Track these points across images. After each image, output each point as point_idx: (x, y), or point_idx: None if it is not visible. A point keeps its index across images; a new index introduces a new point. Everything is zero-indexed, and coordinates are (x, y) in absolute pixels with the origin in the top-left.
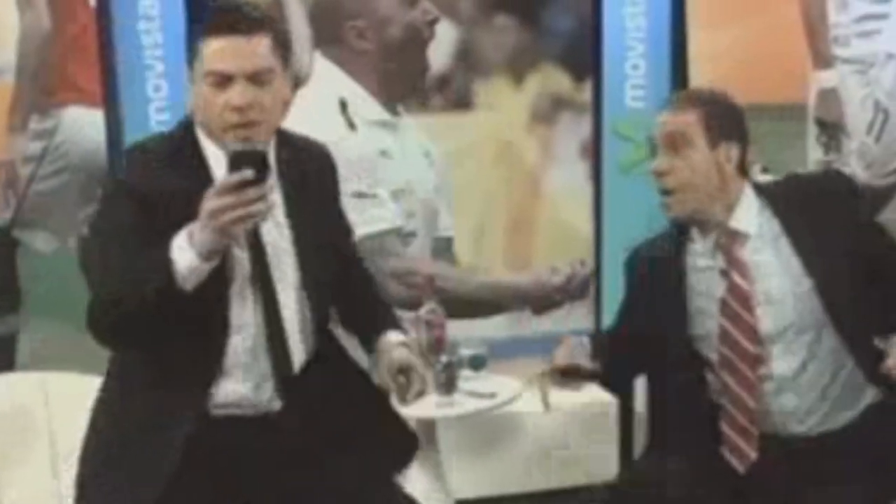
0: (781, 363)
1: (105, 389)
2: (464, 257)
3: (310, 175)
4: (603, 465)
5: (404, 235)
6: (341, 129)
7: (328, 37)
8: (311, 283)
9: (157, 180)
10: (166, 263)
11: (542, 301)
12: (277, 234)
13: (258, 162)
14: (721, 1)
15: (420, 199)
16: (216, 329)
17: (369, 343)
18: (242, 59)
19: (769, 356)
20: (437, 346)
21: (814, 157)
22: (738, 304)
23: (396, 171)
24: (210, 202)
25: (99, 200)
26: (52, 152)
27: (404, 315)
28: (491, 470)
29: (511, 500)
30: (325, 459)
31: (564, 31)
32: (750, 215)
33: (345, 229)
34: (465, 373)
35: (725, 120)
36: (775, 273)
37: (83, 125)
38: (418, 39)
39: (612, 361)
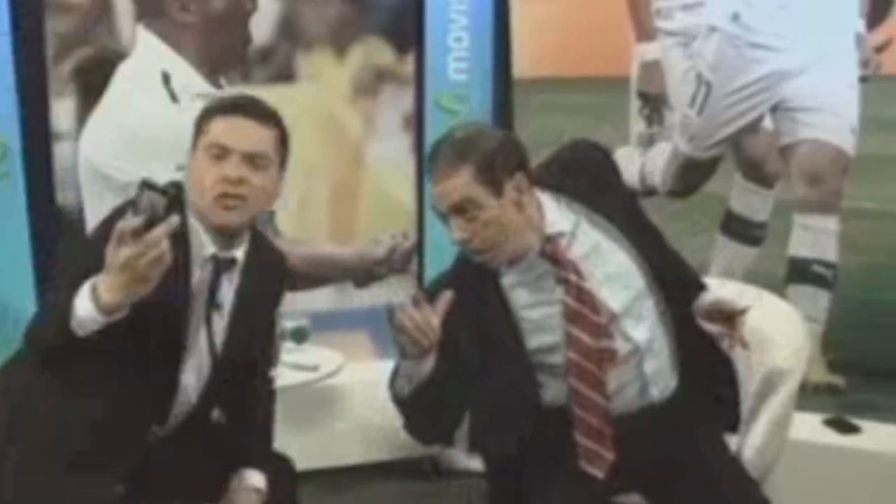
0: (637, 332)
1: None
2: (287, 229)
3: (263, 285)
4: None
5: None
6: (164, 102)
7: (151, 9)
8: (218, 382)
9: None
10: (66, 311)
11: (364, 273)
12: (218, 319)
13: (161, 197)
14: None
15: None
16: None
17: (228, 467)
18: (243, 137)
19: (625, 331)
20: None
21: (636, 129)
22: (578, 303)
23: None
24: (121, 252)
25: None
26: None
27: None
28: (312, 443)
29: (332, 474)
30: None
31: (387, 4)
32: (557, 214)
33: (268, 341)
34: (288, 345)
35: (498, 158)
36: (610, 249)
37: None
38: (241, 12)
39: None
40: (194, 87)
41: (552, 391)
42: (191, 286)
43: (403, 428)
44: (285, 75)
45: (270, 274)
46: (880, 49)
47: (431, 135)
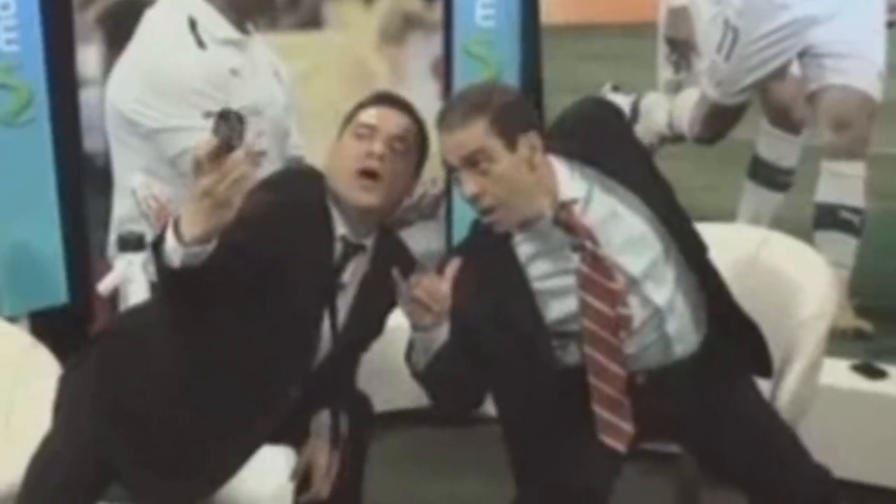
0: (658, 295)
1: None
2: None
3: (387, 278)
4: None
5: (255, 154)
6: (191, 48)
7: None
8: (336, 355)
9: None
10: (158, 243)
11: (394, 219)
12: (341, 298)
13: (238, 125)
14: None
15: (270, 117)
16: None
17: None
18: (389, 120)
19: (646, 294)
20: None
21: (664, 76)
22: (592, 270)
23: (247, 89)
24: (202, 181)
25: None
26: None
27: None
28: None
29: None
30: None
31: None
32: (570, 180)
33: (384, 321)
34: None
35: (512, 113)
36: (627, 214)
37: None
38: None
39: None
40: (221, 32)
41: (579, 356)
42: (332, 264)
43: (430, 402)
44: (313, 22)
45: (395, 262)
46: None
47: (460, 81)
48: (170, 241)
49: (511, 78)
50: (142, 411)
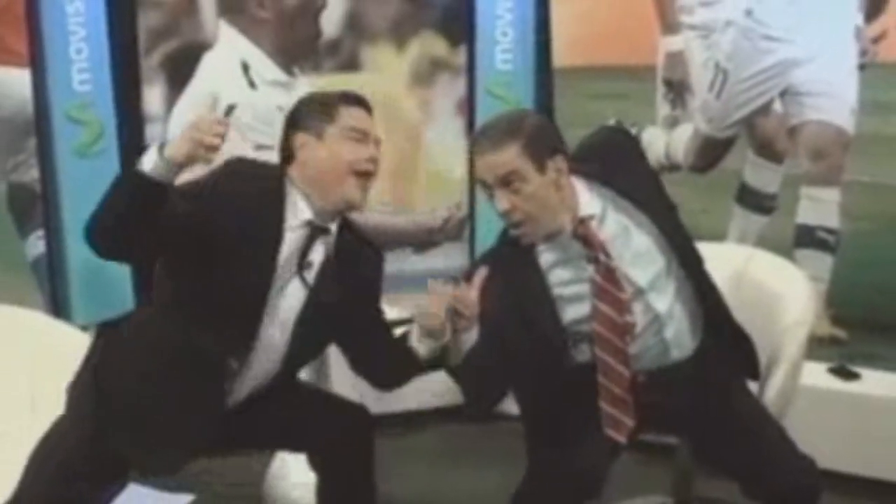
0: (659, 304)
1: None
2: None
3: (352, 269)
4: None
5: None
6: (243, 88)
7: (232, 6)
8: (297, 348)
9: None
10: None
11: (422, 241)
12: (299, 288)
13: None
14: None
15: None
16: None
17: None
18: (371, 124)
19: (649, 303)
20: None
21: (662, 112)
22: (605, 281)
23: None
24: (201, 119)
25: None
26: None
27: None
28: (377, 397)
29: (391, 418)
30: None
31: (442, 2)
32: (588, 199)
33: (378, 319)
34: None
35: (542, 138)
36: (635, 230)
37: (13, 83)
38: (312, 8)
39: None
40: (270, 75)
41: (588, 354)
42: (280, 251)
43: (464, 401)
44: (351, 65)
45: (359, 243)
46: (877, 40)
47: (482, 119)
48: (151, 153)
49: None
50: (127, 392)
